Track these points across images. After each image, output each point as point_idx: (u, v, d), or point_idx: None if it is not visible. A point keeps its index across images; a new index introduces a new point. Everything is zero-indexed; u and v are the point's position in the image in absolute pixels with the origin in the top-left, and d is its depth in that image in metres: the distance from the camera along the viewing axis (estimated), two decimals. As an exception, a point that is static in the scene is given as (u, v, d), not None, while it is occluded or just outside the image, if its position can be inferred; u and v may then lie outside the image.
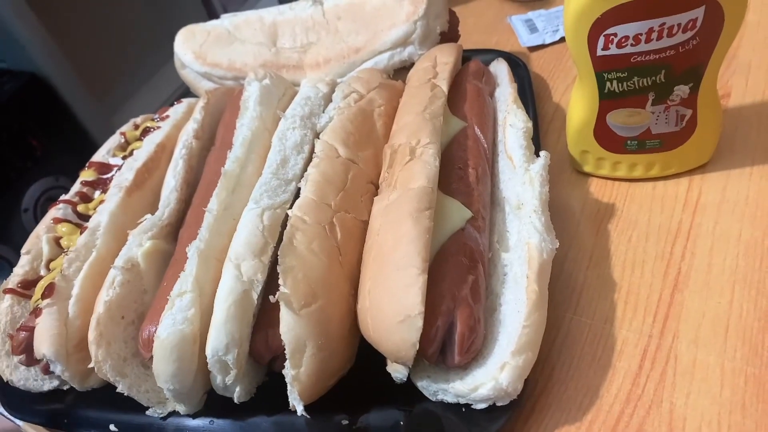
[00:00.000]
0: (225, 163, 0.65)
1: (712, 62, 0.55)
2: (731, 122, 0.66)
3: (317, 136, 0.64)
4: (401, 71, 0.78)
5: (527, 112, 0.74)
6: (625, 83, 0.57)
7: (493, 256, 0.56)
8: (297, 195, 0.58)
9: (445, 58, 0.70)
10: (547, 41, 0.88)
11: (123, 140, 0.82)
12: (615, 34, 0.53)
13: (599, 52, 0.55)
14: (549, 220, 0.56)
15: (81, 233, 0.66)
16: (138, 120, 0.85)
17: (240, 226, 0.55)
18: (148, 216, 0.64)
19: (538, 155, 0.64)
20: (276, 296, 0.48)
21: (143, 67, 2.12)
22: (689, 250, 0.59)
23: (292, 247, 0.51)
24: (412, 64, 0.76)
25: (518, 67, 0.79)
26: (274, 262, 0.54)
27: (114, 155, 0.80)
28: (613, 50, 0.55)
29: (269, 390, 0.56)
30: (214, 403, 0.56)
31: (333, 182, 0.58)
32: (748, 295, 0.54)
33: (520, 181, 0.59)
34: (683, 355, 0.52)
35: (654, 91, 0.57)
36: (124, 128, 0.84)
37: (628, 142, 0.63)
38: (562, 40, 0.88)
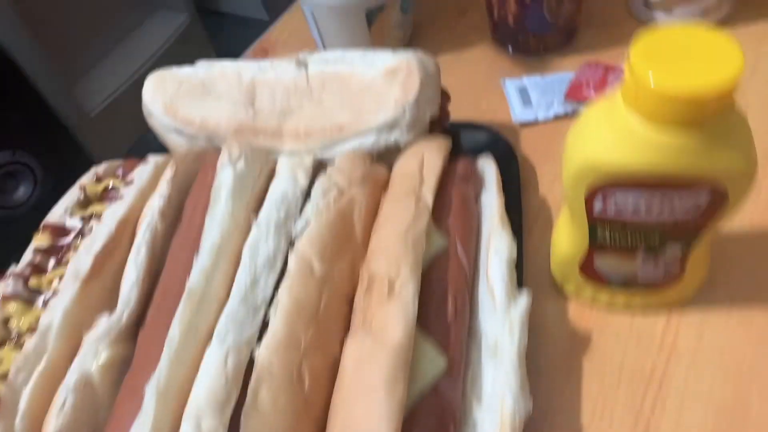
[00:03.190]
0: (191, 254, 0.61)
1: (710, 229, 0.53)
2: (715, 259, 0.65)
3: (292, 243, 0.61)
4: (388, 151, 0.74)
5: (514, 204, 0.72)
6: (618, 237, 0.55)
7: (466, 406, 0.55)
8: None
9: (433, 159, 0.66)
10: (540, 118, 0.84)
11: (83, 196, 0.76)
12: (614, 201, 0.51)
13: (595, 212, 0.53)
14: (525, 375, 0.54)
15: (40, 307, 0.62)
16: (100, 170, 0.79)
17: (202, 370, 0.51)
18: (105, 318, 0.60)
19: (520, 284, 0.63)
20: (237, 468, 0.46)
21: (108, 35, 1.98)
22: (660, 402, 0.58)
23: (255, 405, 0.49)
24: (398, 146, 0.72)
25: (511, 158, 0.76)
26: (236, 407, 0.51)
27: (72, 214, 0.75)
28: (610, 212, 0.52)
29: None
30: None
31: (305, 310, 0.56)
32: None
33: (500, 321, 0.57)
34: None
35: (646, 246, 0.55)
36: (84, 180, 0.78)
37: (613, 279, 0.61)
38: (555, 118, 0.84)
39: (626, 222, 0.52)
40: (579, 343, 0.64)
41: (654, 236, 0.53)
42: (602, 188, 0.50)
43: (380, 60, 0.72)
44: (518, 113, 0.85)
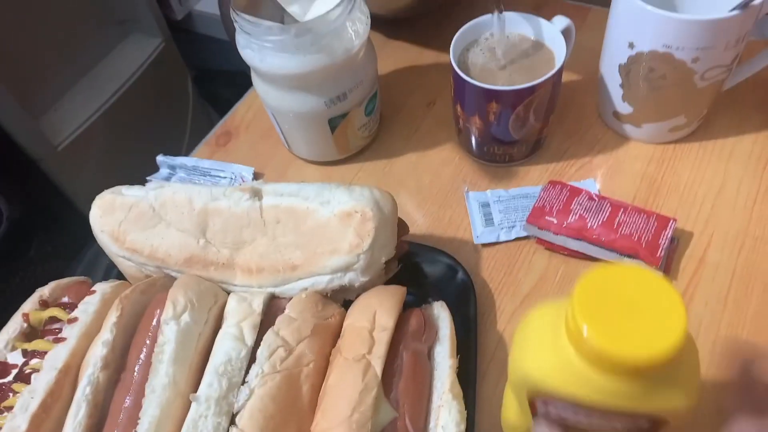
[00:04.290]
0: (132, 419, 0.60)
1: None
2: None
3: (234, 419, 0.59)
4: (342, 288, 0.72)
5: (469, 348, 0.71)
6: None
7: None
8: None
9: (384, 318, 0.64)
10: (501, 239, 0.83)
11: (26, 325, 0.73)
12: (555, 408, 0.50)
13: (538, 409, 0.52)
14: None
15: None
16: (45, 293, 0.76)
17: None
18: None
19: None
20: None
21: (76, 64, 1.91)
22: None
23: None
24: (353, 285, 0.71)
25: (469, 295, 0.75)
26: None
27: (14, 348, 0.72)
28: (553, 414, 0.51)
29: None
30: None
31: (243, 504, 0.54)
32: None
33: None
34: None
35: (591, 444, 0.55)
36: (28, 306, 0.75)
37: (561, 456, 0.61)
38: (517, 239, 0.83)
39: (568, 423, 0.52)
40: (527, 507, 0.63)
41: (598, 438, 0.53)
42: (543, 398, 0.49)
43: (336, 200, 0.70)
44: (479, 233, 0.83)
